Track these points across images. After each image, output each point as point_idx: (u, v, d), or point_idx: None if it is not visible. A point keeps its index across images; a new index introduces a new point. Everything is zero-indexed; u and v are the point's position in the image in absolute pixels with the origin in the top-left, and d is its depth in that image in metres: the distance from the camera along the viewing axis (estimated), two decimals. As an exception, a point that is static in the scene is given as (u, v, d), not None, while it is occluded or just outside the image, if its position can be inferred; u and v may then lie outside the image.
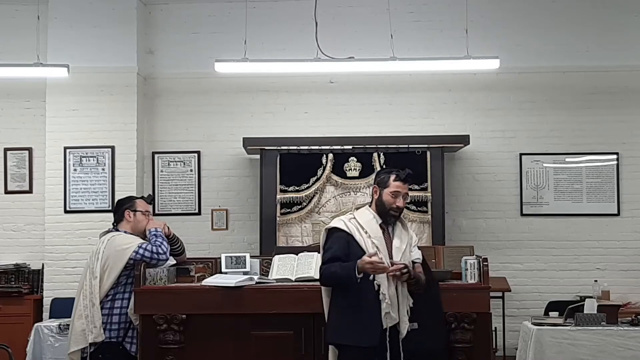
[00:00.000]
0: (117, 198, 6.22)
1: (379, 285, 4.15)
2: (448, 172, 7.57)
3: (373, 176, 7.27)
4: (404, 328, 4.15)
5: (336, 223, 4.37)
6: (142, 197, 5.08)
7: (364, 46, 7.40)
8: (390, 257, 4.23)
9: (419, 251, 4.45)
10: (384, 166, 7.32)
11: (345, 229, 4.29)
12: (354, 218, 4.35)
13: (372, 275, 4.14)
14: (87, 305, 4.66)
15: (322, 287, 4.34)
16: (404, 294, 4.20)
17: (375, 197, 4.38)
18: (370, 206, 4.42)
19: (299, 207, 7.35)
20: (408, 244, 4.34)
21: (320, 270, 4.30)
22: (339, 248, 4.24)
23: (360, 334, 4.13)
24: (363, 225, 4.30)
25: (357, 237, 4.25)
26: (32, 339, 6.88)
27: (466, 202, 7.81)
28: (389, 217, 4.33)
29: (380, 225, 4.33)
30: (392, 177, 4.36)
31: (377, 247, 4.21)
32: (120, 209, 4.96)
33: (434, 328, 4.29)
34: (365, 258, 4.09)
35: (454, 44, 6.96)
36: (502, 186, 7.82)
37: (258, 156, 7.51)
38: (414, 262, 4.33)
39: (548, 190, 7.78)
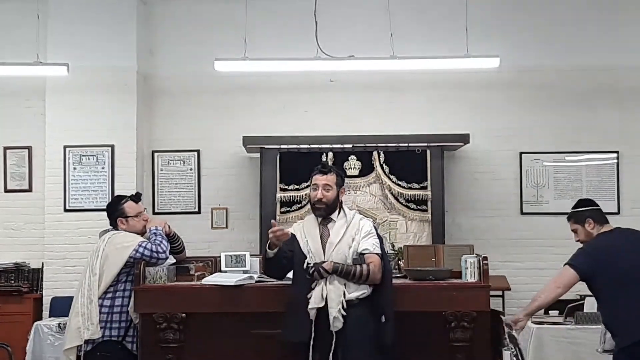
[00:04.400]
0: (117, 197, 6.20)
1: (315, 283, 4.35)
2: (448, 171, 7.58)
3: (373, 175, 7.36)
4: (332, 320, 4.27)
5: (292, 227, 4.70)
6: (129, 197, 5.05)
7: (363, 45, 7.39)
8: (325, 253, 4.41)
9: (371, 241, 4.46)
10: (384, 165, 7.33)
11: (293, 231, 4.59)
12: (303, 221, 4.70)
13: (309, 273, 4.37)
14: (85, 302, 4.67)
15: None
16: (336, 286, 4.32)
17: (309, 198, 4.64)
18: None
19: (299, 205, 7.35)
20: (347, 237, 4.44)
21: None
22: (285, 245, 4.51)
23: (293, 328, 4.35)
24: (304, 226, 4.57)
25: (299, 237, 4.52)
26: (31, 337, 6.89)
27: (466, 200, 7.81)
28: (317, 211, 4.54)
29: (320, 223, 4.52)
30: (314, 172, 4.60)
31: (309, 246, 4.45)
32: (112, 218, 4.97)
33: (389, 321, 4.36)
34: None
35: (453, 42, 6.95)
36: (502, 185, 7.83)
37: (258, 155, 7.52)
38: (362, 254, 4.40)
39: (548, 189, 7.79)
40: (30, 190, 7.86)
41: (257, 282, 4.80)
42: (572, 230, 4.88)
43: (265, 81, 7.79)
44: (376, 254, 4.41)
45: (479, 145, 7.70)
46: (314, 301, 4.31)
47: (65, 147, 7.59)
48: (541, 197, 7.79)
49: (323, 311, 4.30)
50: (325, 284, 4.33)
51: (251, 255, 5.12)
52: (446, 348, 4.63)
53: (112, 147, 7.62)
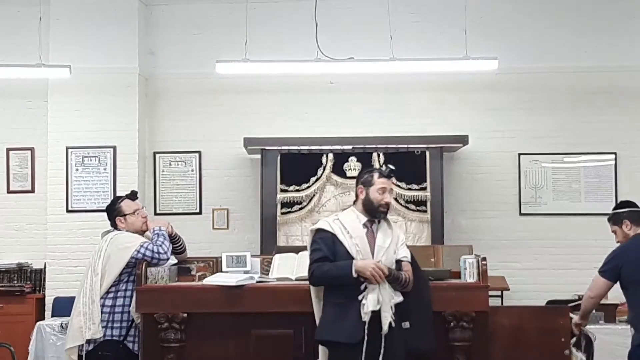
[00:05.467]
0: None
1: (363, 282, 4.23)
2: (447, 172, 7.61)
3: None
4: (385, 324, 4.22)
5: (321, 224, 4.47)
6: (125, 196, 5.10)
7: (363, 47, 7.43)
8: (373, 256, 4.32)
9: (407, 250, 4.49)
10: (384, 166, 7.34)
11: (330, 229, 4.38)
12: (338, 219, 4.45)
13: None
14: (87, 302, 4.69)
15: (311, 288, 4.44)
16: (388, 291, 4.27)
17: (362, 197, 4.44)
18: (355, 207, 4.49)
19: (299, 206, 7.38)
20: (393, 243, 4.40)
21: (310, 269, 4.38)
22: (327, 248, 4.34)
23: (343, 330, 4.22)
24: (346, 225, 4.39)
25: (341, 237, 4.35)
26: (34, 337, 6.92)
27: (465, 201, 7.84)
28: (378, 214, 4.42)
29: (364, 224, 4.41)
30: (376, 175, 4.46)
31: (358, 247, 4.31)
32: (111, 218, 5.01)
33: (423, 327, 4.36)
34: (369, 262, 4.20)
35: (453, 44, 6.99)
36: (500, 186, 7.85)
37: (259, 156, 7.54)
38: (400, 261, 4.39)
39: (546, 190, 7.82)
40: (32, 191, 7.89)
41: (257, 282, 4.82)
42: (612, 232, 4.93)
43: (266, 83, 7.81)
44: (409, 262, 4.44)
45: (477, 147, 7.73)
46: (371, 304, 4.19)
47: (67, 148, 7.63)
48: (540, 198, 7.82)
49: (373, 314, 4.23)
50: (380, 288, 4.25)
51: (252, 256, 5.13)
52: (445, 348, 4.62)
53: (114, 148, 7.65)
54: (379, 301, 4.22)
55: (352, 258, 4.27)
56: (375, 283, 4.21)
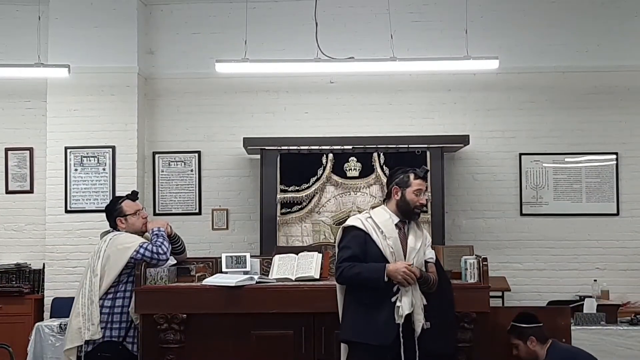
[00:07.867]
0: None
1: (395, 285, 4.16)
2: (448, 172, 7.59)
3: (373, 176, 7.37)
4: (419, 326, 4.17)
5: (353, 222, 4.37)
6: (126, 196, 5.08)
7: (364, 46, 7.43)
8: (405, 258, 4.25)
9: (432, 251, 4.46)
10: (384, 166, 7.34)
11: (363, 227, 4.29)
12: (370, 217, 4.35)
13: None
14: (86, 303, 4.68)
15: (337, 285, 4.35)
16: (418, 293, 4.22)
17: (397, 197, 4.36)
18: (386, 206, 4.41)
19: (299, 206, 7.36)
20: (422, 244, 4.35)
21: (338, 267, 4.28)
22: (358, 247, 4.26)
23: (374, 332, 4.15)
24: (379, 224, 4.30)
25: (374, 236, 4.27)
26: (32, 338, 6.89)
27: (466, 202, 7.82)
28: (413, 215, 4.36)
29: (396, 225, 4.33)
30: (412, 176, 4.38)
31: (392, 248, 4.23)
32: (111, 218, 4.99)
33: (446, 328, 4.31)
34: (400, 265, 4.14)
35: (453, 44, 6.98)
36: (501, 186, 7.83)
37: (258, 156, 7.53)
38: (427, 262, 4.35)
39: (547, 190, 7.80)
40: (31, 191, 7.87)
41: (257, 282, 4.81)
42: (513, 344, 4.85)
43: (266, 82, 7.80)
44: (434, 263, 4.40)
45: (478, 147, 7.72)
46: (407, 307, 4.14)
47: (66, 148, 7.61)
48: (541, 199, 7.80)
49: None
50: (412, 290, 4.18)
51: (252, 256, 5.12)
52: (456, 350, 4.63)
53: (113, 148, 7.63)
54: (412, 303, 4.17)
55: (385, 259, 4.20)
56: (407, 286, 4.15)
